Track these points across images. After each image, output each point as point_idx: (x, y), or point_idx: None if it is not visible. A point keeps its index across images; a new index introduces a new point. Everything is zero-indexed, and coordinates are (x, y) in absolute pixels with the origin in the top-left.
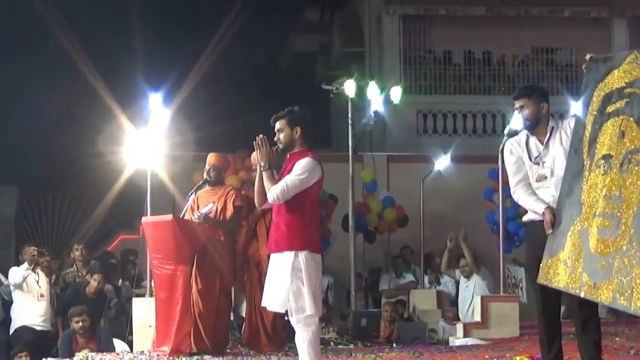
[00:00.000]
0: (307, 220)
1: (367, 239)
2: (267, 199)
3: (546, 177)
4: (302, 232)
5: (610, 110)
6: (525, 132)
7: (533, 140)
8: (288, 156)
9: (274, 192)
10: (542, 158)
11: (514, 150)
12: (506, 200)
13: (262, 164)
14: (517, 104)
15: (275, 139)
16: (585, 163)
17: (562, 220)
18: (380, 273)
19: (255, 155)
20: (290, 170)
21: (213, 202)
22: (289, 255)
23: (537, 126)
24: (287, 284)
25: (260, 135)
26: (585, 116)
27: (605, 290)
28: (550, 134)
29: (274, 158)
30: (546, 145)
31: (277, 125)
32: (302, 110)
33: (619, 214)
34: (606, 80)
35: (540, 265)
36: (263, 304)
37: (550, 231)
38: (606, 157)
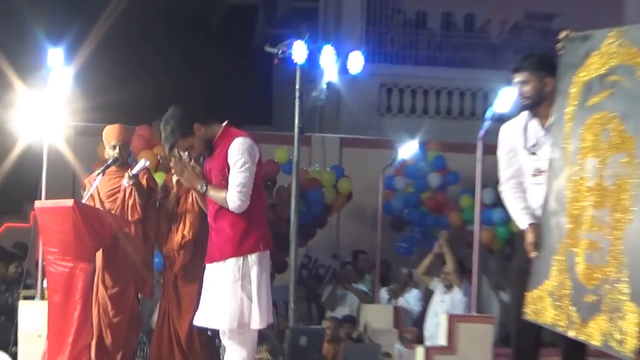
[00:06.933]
0: (255, 213)
1: (317, 223)
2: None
3: (543, 172)
4: (251, 231)
5: (591, 104)
6: (525, 114)
7: (533, 124)
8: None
9: (233, 201)
10: (540, 147)
11: (508, 137)
12: (407, 185)
13: (198, 188)
14: (517, 78)
15: (185, 157)
16: (568, 169)
17: (547, 240)
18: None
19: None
20: (224, 157)
21: (145, 161)
22: (236, 261)
23: (539, 106)
24: (237, 295)
25: (173, 159)
26: (564, 109)
27: (595, 330)
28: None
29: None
30: (548, 132)
31: (181, 143)
32: (190, 107)
33: (608, 234)
34: (585, 64)
35: (527, 297)
36: (198, 322)
37: (534, 254)
38: (591, 162)
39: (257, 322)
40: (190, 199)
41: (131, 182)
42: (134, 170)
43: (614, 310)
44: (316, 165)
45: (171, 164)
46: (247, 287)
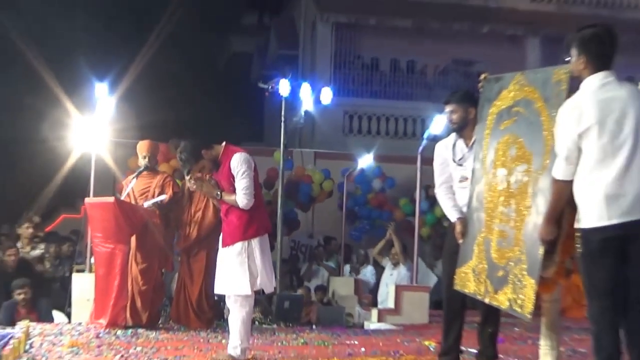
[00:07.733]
0: (255, 207)
1: (302, 207)
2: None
3: (467, 179)
4: (252, 221)
5: (502, 128)
6: (454, 135)
7: (460, 143)
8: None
9: (242, 201)
10: (465, 160)
11: (442, 152)
12: (356, 188)
13: (215, 196)
14: (448, 108)
15: (201, 175)
16: (485, 176)
17: (470, 230)
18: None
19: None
20: (228, 170)
21: (165, 193)
22: (242, 244)
23: (464, 130)
24: (246, 270)
25: (191, 181)
26: (483, 132)
27: (503, 297)
28: (476, 138)
29: (211, 181)
30: (470, 149)
31: (194, 168)
32: (195, 138)
33: (512, 225)
34: (498, 98)
35: (456, 272)
36: (219, 291)
37: (461, 241)
38: (501, 172)
39: (266, 288)
40: (208, 212)
41: (155, 206)
42: (150, 202)
43: (516, 282)
44: (309, 165)
45: (192, 184)
46: (253, 264)
